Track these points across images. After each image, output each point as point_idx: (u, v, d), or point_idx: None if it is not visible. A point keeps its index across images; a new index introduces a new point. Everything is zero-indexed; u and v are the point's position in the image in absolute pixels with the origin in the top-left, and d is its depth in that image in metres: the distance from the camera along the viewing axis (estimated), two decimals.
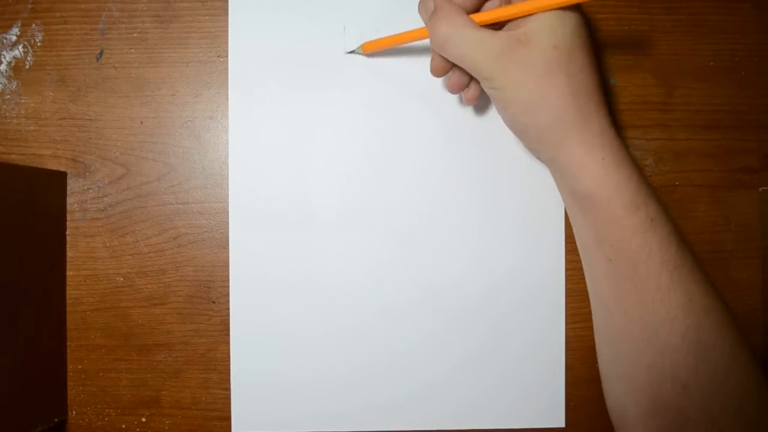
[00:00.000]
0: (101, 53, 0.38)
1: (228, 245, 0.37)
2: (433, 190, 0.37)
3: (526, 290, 0.37)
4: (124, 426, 0.37)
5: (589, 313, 0.38)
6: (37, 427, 0.34)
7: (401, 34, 0.34)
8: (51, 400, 0.36)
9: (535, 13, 0.28)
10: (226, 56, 0.37)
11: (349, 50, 0.37)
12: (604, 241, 0.30)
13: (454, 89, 0.33)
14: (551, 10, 0.28)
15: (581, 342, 0.38)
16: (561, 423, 0.37)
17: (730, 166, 0.39)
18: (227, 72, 0.37)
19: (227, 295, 0.37)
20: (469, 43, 0.29)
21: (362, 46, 0.36)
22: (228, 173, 0.37)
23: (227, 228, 0.37)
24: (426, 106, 0.37)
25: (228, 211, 0.37)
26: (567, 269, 0.38)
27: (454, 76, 0.33)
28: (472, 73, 0.30)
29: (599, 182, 0.29)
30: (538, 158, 0.34)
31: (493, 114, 0.38)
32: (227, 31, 0.37)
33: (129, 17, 0.38)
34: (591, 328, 0.38)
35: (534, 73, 0.28)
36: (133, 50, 0.38)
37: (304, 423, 0.37)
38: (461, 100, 0.36)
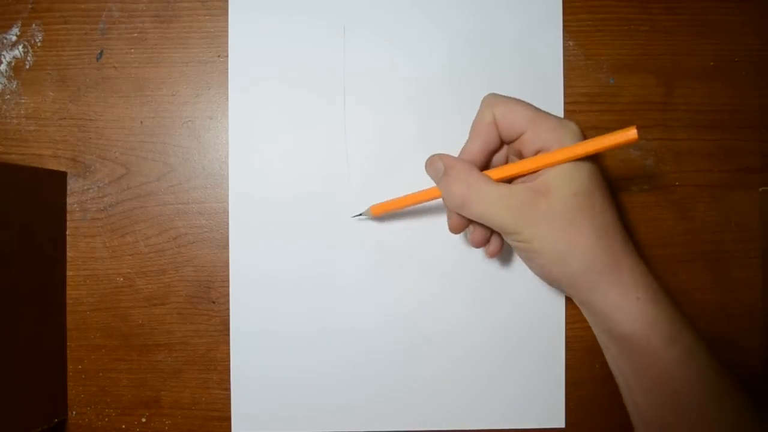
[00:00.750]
0: (101, 53, 0.38)
1: (228, 245, 0.37)
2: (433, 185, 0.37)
3: (526, 290, 0.37)
4: (124, 426, 0.37)
5: None
6: (37, 427, 0.34)
7: (411, 195, 0.33)
8: (51, 400, 0.36)
9: (552, 166, 0.28)
10: (226, 56, 0.37)
11: (356, 214, 0.36)
12: (644, 374, 0.29)
13: (476, 244, 0.33)
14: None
15: (581, 342, 0.38)
16: (561, 423, 0.37)
17: (730, 166, 0.39)
18: (227, 72, 0.37)
19: (227, 295, 0.37)
20: (489, 201, 0.29)
21: (370, 209, 0.35)
22: (228, 173, 0.37)
23: (227, 228, 0.37)
24: (427, 107, 0.37)
25: (228, 211, 0.37)
26: None
27: (476, 233, 0.32)
28: (496, 229, 0.30)
29: (636, 322, 0.28)
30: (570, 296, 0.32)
31: None
32: (227, 31, 0.37)
33: (129, 17, 0.38)
34: (591, 328, 0.38)
35: (559, 223, 0.28)
36: (133, 50, 0.38)
37: (304, 423, 0.37)
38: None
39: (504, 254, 0.37)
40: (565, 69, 0.38)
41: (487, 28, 0.38)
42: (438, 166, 0.31)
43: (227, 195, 0.37)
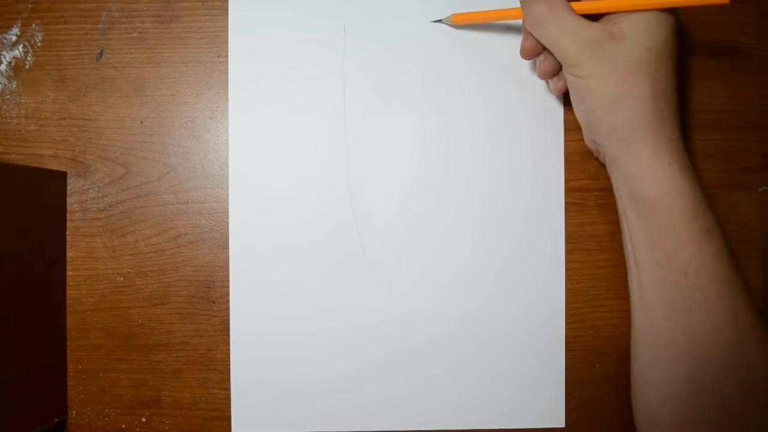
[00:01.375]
0: (101, 53, 0.38)
1: (228, 245, 0.37)
2: (434, 186, 0.37)
3: (526, 290, 0.37)
4: (124, 426, 0.37)
5: (589, 313, 0.38)
6: (37, 427, 0.34)
7: (494, 11, 0.34)
8: (51, 400, 0.36)
9: (636, 10, 0.29)
10: (226, 56, 0.37)
11: (435, 19, 0.36)
12: (657, 245, 0.30)
13: (544, 75, 0.34)
14: (651, 10, 0.28)
15: (581, 342, 0.38)
16: (561, 423, 0.37)
17: (729, 166, 0.39)
18: (227, 72, 0.37)
19: (227, 295, 0.37)
20: (564, 27, 0.29)
21: (452, 17, 0.35)
22: (228, 173, 0.37)
23: (227, 228, 0.37)
24: (427, 107, 0.37)
25: (228, 211, 0.37)
26: (567, 269, 0.38)
27: (546, 62, 0.33)
28: (559, 58, 0.30)
29: (662, 186, 0.29)
30: (596, 153, 0.34)
31: (492, 103, 0.37)
32: (227, 31, 0.37)
33: (129, 17, 0.38)
34: (590, 328, 0.38)
35: (622, 69, 0.28)
36: (133, 50, 0.38)
37: (304, 423, 0.37)
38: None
39: (504, 254, 0.37)
40: None
41: (487, 28, 0.38)
42: None
43: (227, 195, 0.37)
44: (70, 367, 0.37)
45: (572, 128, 0.38)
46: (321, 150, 0.37)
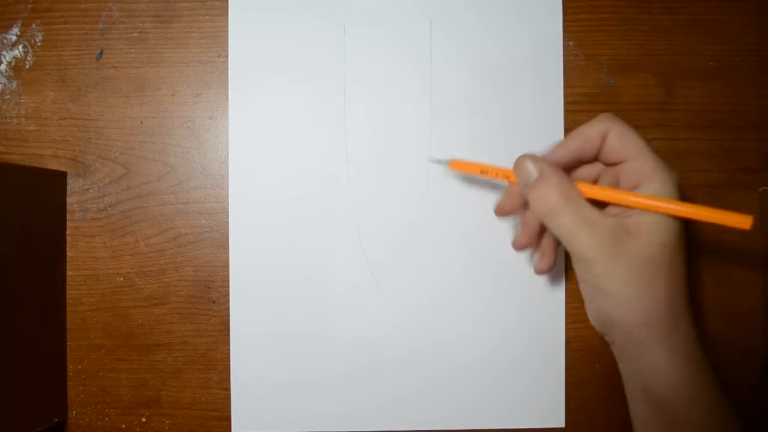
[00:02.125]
0: (101, 53, 0.38)
1: (228, 245, 0.37)
2: (434, 186, 0.37)
3: (527, 290, 0.37)
4: (124, 426, 0.37)
5: None
6: (37, 427, 0.34)
7: (491, 167, 0.32)
8: (51, 400, 0.36)
9: (653, 211, 0.27)
10: (226, 56, 0.37)
11: (435, 160, 0.35)
12: (672, 429, 0.29)
13: (520, 247, 0.32)
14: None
15: (581, 342, 0.38)
16: (561, 423, 0.37)
17: (730, 166, 0.39)
18: (227, 72, 0.37)
19: (227, 295, 0.37)
20: (580, 220, 0.27)
21: (449, 162, 0.33)
22: (228, 173, 0.37)
23: (227, 228, 0.37)
24: (426, 107, 0.37)
25: (228, 211, 0.37)
26: (567, 270, 0.38)
27: (524, 236, 0.32)
28: (570, 251, 0.28)
29: (679, 388, 0.28)
30: (602, 334, 0.31)
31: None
32: (227, 31, 0.37)
33: (129, 17, 0.38)
34: (590, 327, 0.38)
35: (637, 269, 0.27)
36: (133, 50, 0.38)
37: (304, 423, 0.37)
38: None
39: (505, 254, 0.37)
40: (565, 69, 0.38)
41: (487, 27, 0.38)
42: (529, 169, 0.29)
43: (227, 195, 0.37)
44: (70, 367, 0.37)
45: (572, 128, 0.38)
46: (321, 150, 0.37)
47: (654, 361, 0.28)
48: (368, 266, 0.37)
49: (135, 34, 0.38)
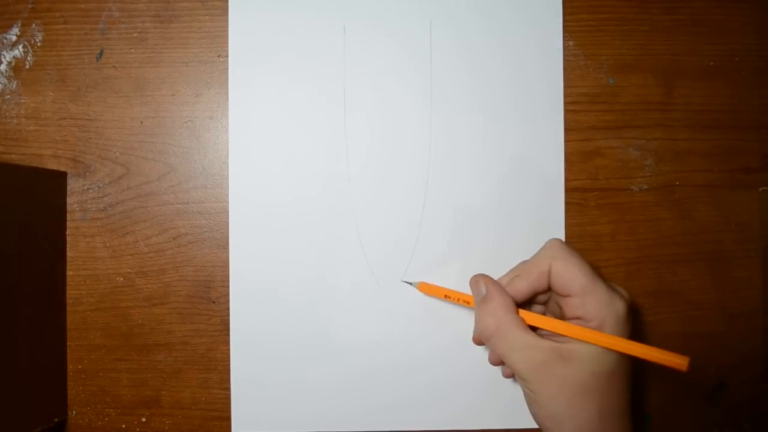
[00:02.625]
0: (101, 53, 0.38)
1: (228, 245, 0.37)
2: (434, 186, 0.37)
3: None
4: (124, 426, 0.37)
5: None
6: (37, 427, 0.34)
7: (457, 293, 0.34)
8: (51, 400, 0.36)
9: (587, 342, 0.29)
10: (226, 56, 0.37)
11: (406, 281, 0.37)
12: None
13: (494, 364, 0.35)
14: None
15: None
16: None
17: (730, 166, 0.39)
18: (227, 72, 0.37)
19: (227, 295, 0.37)
20: (513, 346, 0.29)
21: (418, 285, 0.36)
22: (228, 173, 0.37)
23: (227, 228, 0.37)
24: (426, 107, 0.37)
25: (228, 211, 0.37)
26: None
27: (493, 358, 0.34)
28: (510, 368, 0.30)
29: None
30: None
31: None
32: (227, 31, 0.37)
33: (129, 17, 0.38)
34: None
35: (568, 392, 0.29)
36: (133, 50, 0.38)
37: (304, 423, 0.37)
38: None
39: (505, 254, 0.37)
40: (565, 69, 0.38)
41: (488, 27, 0.38)
42: (481, 289, 0.32)
43: (227, 195, 0.37)
44: (70, 367, 0.37)
45: (572, 128, 0.38)
46: (321, 150, 0.37)
47: None
48: (368, 266, 0.37)
49: (135, 34, 0.38)
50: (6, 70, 0.37)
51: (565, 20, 0.38)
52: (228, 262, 0.37)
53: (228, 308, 0.37)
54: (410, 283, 0.37)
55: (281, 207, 0.37)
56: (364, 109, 0.37)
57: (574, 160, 0.38)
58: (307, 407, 0.37)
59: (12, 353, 0.32)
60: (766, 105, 0.39)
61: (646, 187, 0.38)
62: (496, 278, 0.33)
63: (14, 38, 0.37)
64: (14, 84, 0.37)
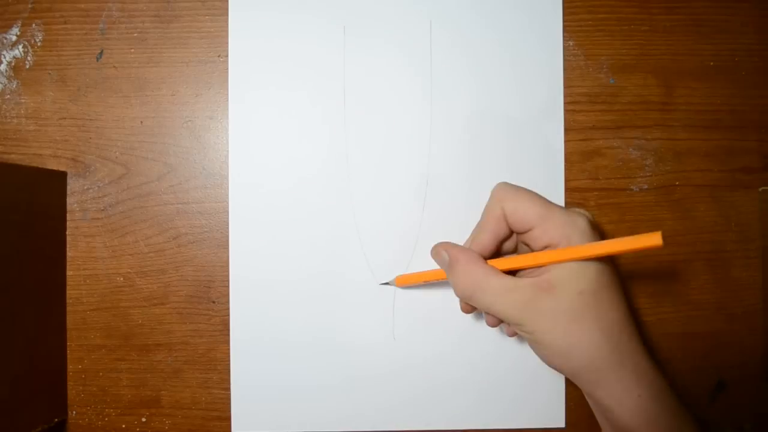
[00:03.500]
0: (101, 53, 0.38)
1: (228, 245, 0.37)
2: (434, 186, 0.37)
3: None
4: (124, 426, 0.37)
5: None
6: (37, 427, 0.34)
7: (432, 272, 0.34)
8: (51, 400, 0.36)
9: (560, 260, 0.28)
10: (226, 56, 0.37)
11: (383, 282, 0.37)
12: None
13: (492, 325, 0.34)
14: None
15: None
16: (561, 423, 0.37)
17: (730, 166, 0.39)
18: (227, 72, 0.37)
19: (227, 295, 0.37)
20: (494, 294, 0.29)
21: (395, 279, 0.36)
22: (228, 173, 0.37)
23: (227, 228, 0.37)
24: (426, 107, 0.37)
25: (228, 211, 0.37)
26: None
27: (489, 318, 0.33)
28: (501, 319, 0.30)
29: (638, 418, 0.29)
30: None
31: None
32: (227, 31, 0.37)
33: (129, 17, 0.38)
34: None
35: (562, 320, 0.28)
36: (133, 50, 0.38)
37: (304, 423, 0.37)
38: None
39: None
40: (565, 69, 0.38)
41: (488, 28, 0.38)
42: (443, 256, 0.31)
43: (227, 195, 0.37)
44: (70, 367, 0.37)
45: (572, 128, 0.38)
46: (321, 150, 0.37)
47: (608, 396, 0.29)
48: (368, 266, 0.37)
49: (135, 34, 0.38)
50: (6, 70, 0.37)
51: (565, 20, 0.38)
52: (228, 262, 0.37)
53: (228, 308, 0.37)
54: (387, 283, 0.37)
55: (281, 207, 0.37)
56: (364, 109, 0.37)
57: (574, 160, 0.38)
58: (307, 407, 0.37)
59: (12, 353, 0.32)
60: (766, 105, 0.39)
61: (646, 187, 0.38)
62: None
63: (14, 38, 0.37)
64: (14, 84, 0.37)
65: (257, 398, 0.37)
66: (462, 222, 0.37)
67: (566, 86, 0.38)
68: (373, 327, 0.37)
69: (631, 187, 0.38)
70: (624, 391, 0.29)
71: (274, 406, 0.37)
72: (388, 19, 0.37)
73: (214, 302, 0.37)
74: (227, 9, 0.37)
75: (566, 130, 0.38)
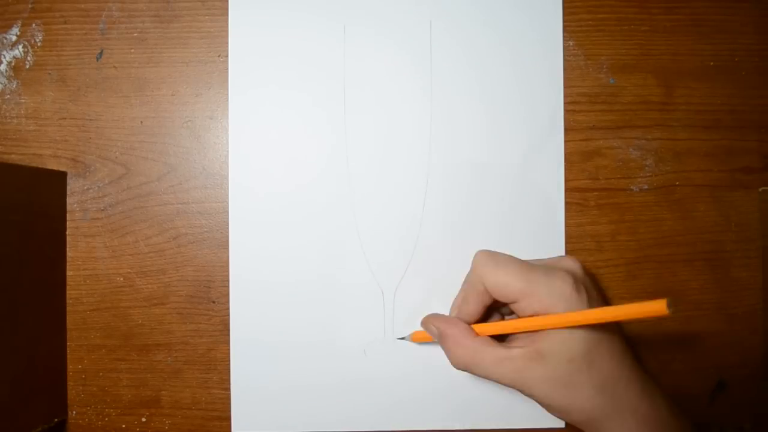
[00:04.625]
0: (101, 53, 0.38)
1: (228, 245, 0.37)
2: (434, 186, 0.37)
3: None
4: (124, 426, 0.37)
5: None
6: (37, 427, 0.34)
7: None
8: (51, 400, 0.36)
9: (546, 329, 0.29)
10: (226, 56, 0.37)
11: (400, 336, 0.37)
12: None
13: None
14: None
15: None
16: (561, 423, 0.37)
17: (730, 166, 0.39)
18: (227, 72, 0.37)
19: (227, 295, 0.37)
20: (489, 365, 0.30)
21: (411, 336, 0.36)
22: (228, 173, 0.37)
23: (227, 228, 0.37)
24: (426, 107, 0.37)
25: (228, 211, 0.37)
26: None
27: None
28: (501, 384, 0.31)
29: None
30: None
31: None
32: (227, 31, 0.37)
33: (129, 17, 0.38)
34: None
35: (556, 386, 0.29)
36: (133, 50, 0.38)
37: (304, 423, 0.37)
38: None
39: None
40: (565, 69, 0.38)
41: (488, 27, 0.38)
42: (432, 330, 0.33)
43: (227, 195, 0.37)
44: (70, 367, 0.37)
45: (572, 128, 0.38)
46: (321, 150, 0.37)
47: None
48: (368, 266, 0.37)
49: (135, 34, 0.38)
50: (6, 70, 0.37)
51: (565, 20, 0.38)
52: (228, 262, 0.37)
53: (228, 308, 0.37)
54: (404, 338, 0.37)
55: (281, 207, 0.37)
56: (364, 109, 0.37)
57: (574, 160, 0.38)
58: (307, 407, 0.37)
59: (12, 353, 0.32)
60: (766, 105, 0.39)
61: (646, 187, 0.38)
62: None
63: (14, 38, 0.37)
64: (14, 84, 0.37)
65: (257, 398, 0.37)
66: (462, 222, 0.37)
67: (566, 86, 0.38)
68: (373, 327, 0.37)
69: (631, 187, 0.38)
70: None
71: (274, 406, 0.37)
72: (389, 19, 0.37)
73: (214, 302, 0.37)
74: (227, 9, 0.37)
75: (566, 130, 0.38)
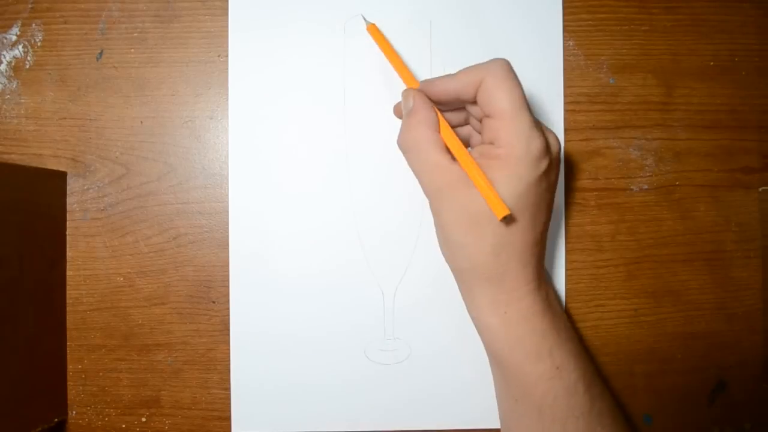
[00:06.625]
0: (101, 53, 0.38)
1: (228, 245, 0.37)
2: None
3: None
4: (124, 426, 0.37)
5: (589, 313, 0.38)
6: (37, 427, 0.34)
7: (399, 62, 0.33)
8: (51, 400, 0.36)
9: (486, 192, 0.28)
10: (226, 56, 0.37)
11: (355, 16, 0.35)
12: (511, 384, 0.30)
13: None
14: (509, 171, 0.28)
15: (581, 342, 0.38)
16: None
17: (730, 166, 0.39)
18: (227, 72, 0.37)
19: (227, 295, 0.37)
20: (425, 163, 0.29)
21: (368, 27, 0.34)
22: (228, 173, 0.37)
23: (227, 228, 0.37)
24: None
25: (228, 211, 0.37)
26: (567, 269, 0.38)
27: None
28: (420, 184, 0.30)
29: (498, 335, 0.29)
30: None
31: None
32: (227, 31, 0.37)
33: (129, 17, 0.38)
34: (590, 328, 0.38)
35: (466, 219, 0.28)
36: (133, 50, 0.38)
37: (304, 423, 0.37)
38: None
39: None
40: (565, 69, 0.38)
41: (488, 28, 0.38)
42: (408, 103, 0.31)
43: (227, 195, 0.37)
44: (70, 367, 0.37)
45: (572, 128, 0.38)
46: (321, 150, 0.37)
47: (476, 306, 0.30)
48: (368, 266, 0.37)
49: (135, 34, 0.38)
50: (6, 70, 0.37)
51: (565, 20, 0.38)
52: (228, 262, 0.37)
53: (228, 308, 0.37)
54: (364, 20, 0.35)
55: (281, 207, 0.37)
56: (364, 109, 0.37)
57: (574, 160, 0.38)
58: (307, 407, 0.37)
59: (12, 353, 0.32)
60: (766, 105, 0.39)
61: (646, 187, 0.38)
62: None
63: (14, 38, 0.37)
64: (14, 84, 0.37)
65: (257, 398, 0.37)
66: None
67: (566, 86, 0.38)
68: (373, 326, 0.37)
69: (631, 187, 0.38)
70: (490, 306, 0.29)
71: (274, 406, 0.37)
72: (388, 19, 0.37)
73: (214, 302, 0.37)
74: (227, 9, 0.37)
75: (566, 130, 0.38)
